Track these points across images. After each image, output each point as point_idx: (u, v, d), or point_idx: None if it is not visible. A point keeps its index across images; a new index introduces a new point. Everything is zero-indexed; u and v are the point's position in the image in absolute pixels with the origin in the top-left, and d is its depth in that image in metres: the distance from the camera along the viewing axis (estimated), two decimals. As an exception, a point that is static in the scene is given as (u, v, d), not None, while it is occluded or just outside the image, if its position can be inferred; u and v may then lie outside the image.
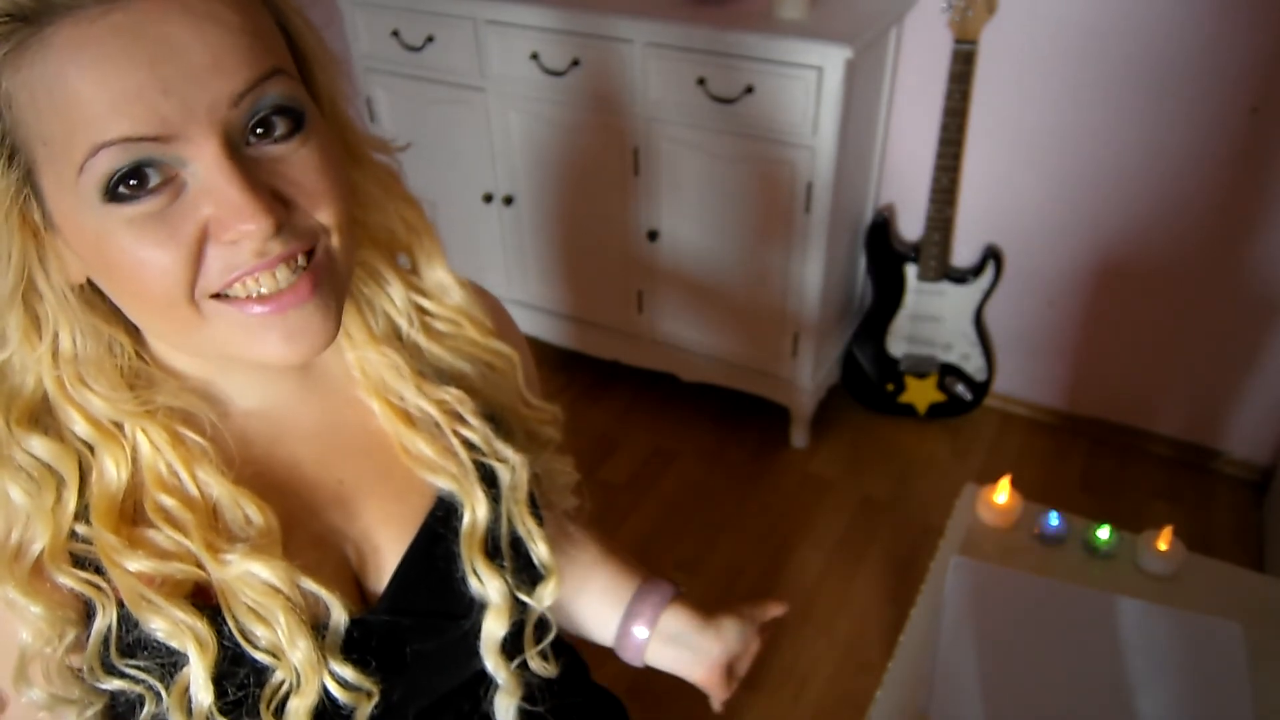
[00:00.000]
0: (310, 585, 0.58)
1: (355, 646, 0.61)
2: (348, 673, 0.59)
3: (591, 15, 1.92)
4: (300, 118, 0.51)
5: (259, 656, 0.56)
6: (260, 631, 0.56)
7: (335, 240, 0.54)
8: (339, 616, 0.59)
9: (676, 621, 0.84)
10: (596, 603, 0.86)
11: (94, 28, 0.45)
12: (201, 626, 0.55)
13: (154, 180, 0.48)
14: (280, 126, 0.51)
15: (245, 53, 0.48)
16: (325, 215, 0.52)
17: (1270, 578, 1.24)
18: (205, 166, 0.48)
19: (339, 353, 0.67)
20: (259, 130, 0.50)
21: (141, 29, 0.46)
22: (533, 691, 0.71)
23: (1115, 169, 1.99)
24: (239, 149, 0.49)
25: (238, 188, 0.48)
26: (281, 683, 0.57)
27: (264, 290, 0.51)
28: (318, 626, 0.59)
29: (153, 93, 0.46)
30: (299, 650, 0.56)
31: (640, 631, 0.84)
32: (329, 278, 0.54)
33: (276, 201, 0.50)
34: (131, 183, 0.47)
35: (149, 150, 0.47)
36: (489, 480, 0.68)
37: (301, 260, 0.52)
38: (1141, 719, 1.02)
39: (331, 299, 0.54)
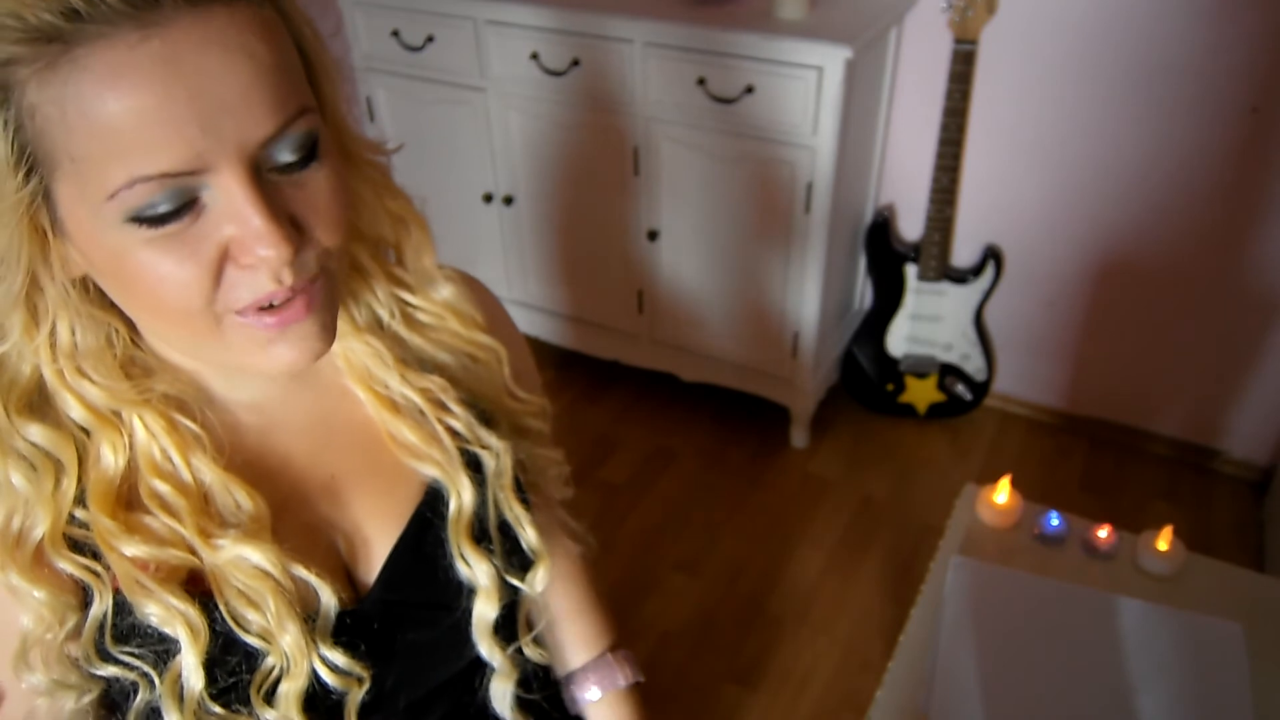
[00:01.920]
0: (300, 571, 0.59)
1: (347, 636, 0.61)
2: (337, 657, 0.59)
3: (591, 15, 1.92)
4: (316, 145, 0.52)
5: (250, 640, 0.57)
6: (251, 615, 0.57)
7: (334, 261, 0.55)
8: (329, 601, 0.60)
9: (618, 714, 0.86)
10: (553, 647, 0.88)
11: (132, 55, 0.45)
12: (193, 612, 0.55)
13: (177, 204, 0.48)
14: (299, 154, 0.51)
15: (277, 93, 0.49)
16: (333, 239, 0.54)
17: (1270, 578, 1.24)
18: (228, 193, 0.48)
19: None
20: (279, 158, 0.51)
21: (180, 59, 0.45)
22: (528, 679, 0.72)
23: (1115, 169, 1.99)
24: (260, 175, 0.50)
25: (262, 216, 0.48)
26: (272, 668, 0.57)
27: (275, 302, 0.52)
28: (308, 613, 0.59)
29: (191, 128, 0.46)
30: (288, 634, 0.57)
31: (583, 698, 0.86)
32: (326, 296, 0.55)
33: (295, 229, 0.51)
34: (160, 208, 0.48)
35: (182, 183, 0.47)
36: (474, 466, 0.68)
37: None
38: (1141, 719, 1.02)
39: (328, 314, 0.56)
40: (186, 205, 0.48)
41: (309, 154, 0.52)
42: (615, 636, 0.90)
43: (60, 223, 0.50)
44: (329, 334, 0.56)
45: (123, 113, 0.45)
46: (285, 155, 0.51)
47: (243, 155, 0.48)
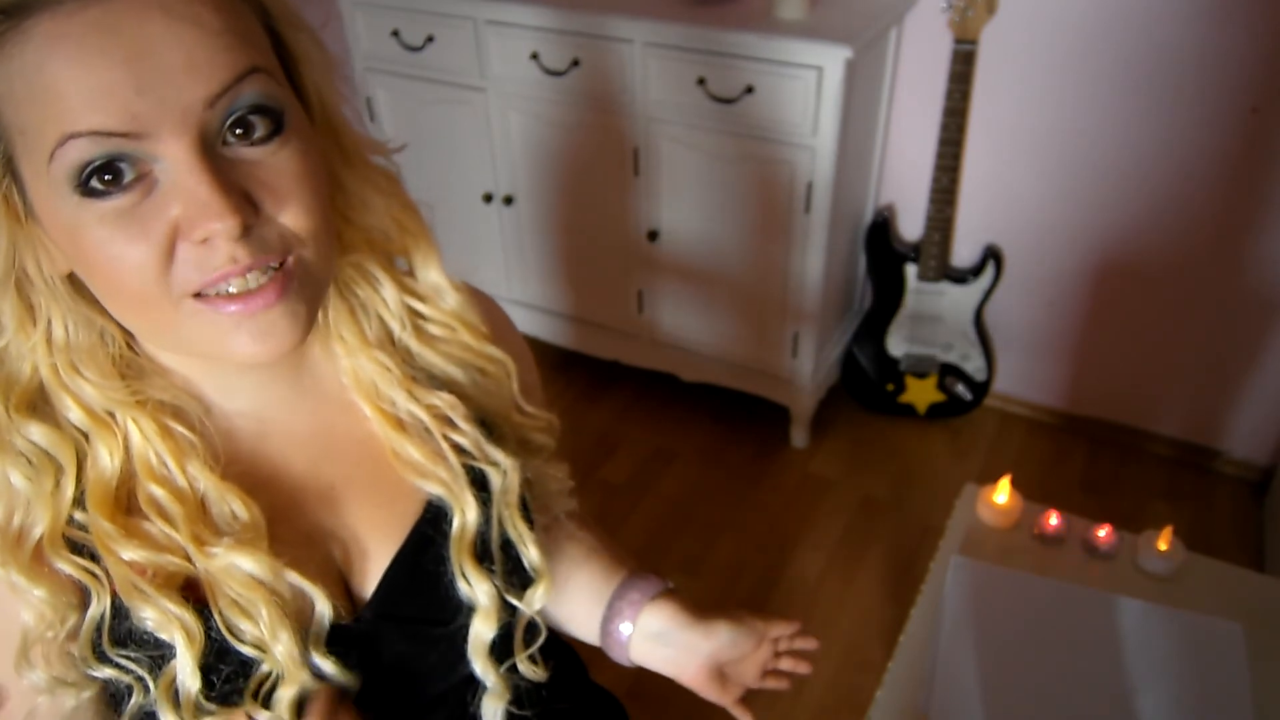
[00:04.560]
0: (295, 579, 0.58)
1: (341, 648, 0.61)
2: (329, 667, 0.59)
3: (591, 15, 1.92)
4: (280, 119, 0.51)
5: (244, 650, 0.57)
6: (244, 625, 0.56)
7: (309, 250, 0.53)
8: (323, 609, 0.59)
9: (661, 618, 0.81)
10: (580, 598, 0.85)
11: (71, 22, 0.45)
12: (189, 617, 0.55)
13: (127, 176, 0.48)
14: (259, 128, 0.50)
15: (223, 54, 0.48)
16: (297, 221, 0.52)
17: (1270, 578, 1.24)
18: (176, 164, 0.48)
19: (332, 358, 0.66)
20: (238, 131, 0.50)
21: (119, 26, 0.46)
22: (521, 695, 0.71)
23: (1115, 169, 1.99)
24: (213, 148, 0.49)
25: (206, 185, 0.48)
26: (268, 674, 0.57)
27: (233, 289, 0.51)
28: (303, 622, 0.59)
29: (126, 90, 0.46)
30: (280, 643, 0.57)
31: (624, 628, 0.82)
32: (300, 285, 0.53)
33: (246, 203, 0.50)
34: (106, 177, 0.48)
35: (120, 145, 0.47)
36: (479, 484, 0.67)
37: (274, 263, 0.52)
38: (1141, 719, 1.02)
39: (301, 304, 0.54)
40: (138, 179, 0.48)
41: (271, 130, 0.51)
42: (629, 567, 0.85)
43: (31, 207, 0.51)
44: (300, 328, 0.54)
45: (60, 77, 0.46)
46: (239, 126, 0.50)
47: (187, 122, 0.48)
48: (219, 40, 0.48)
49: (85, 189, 0.48)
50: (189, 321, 0.52)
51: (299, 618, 0.59)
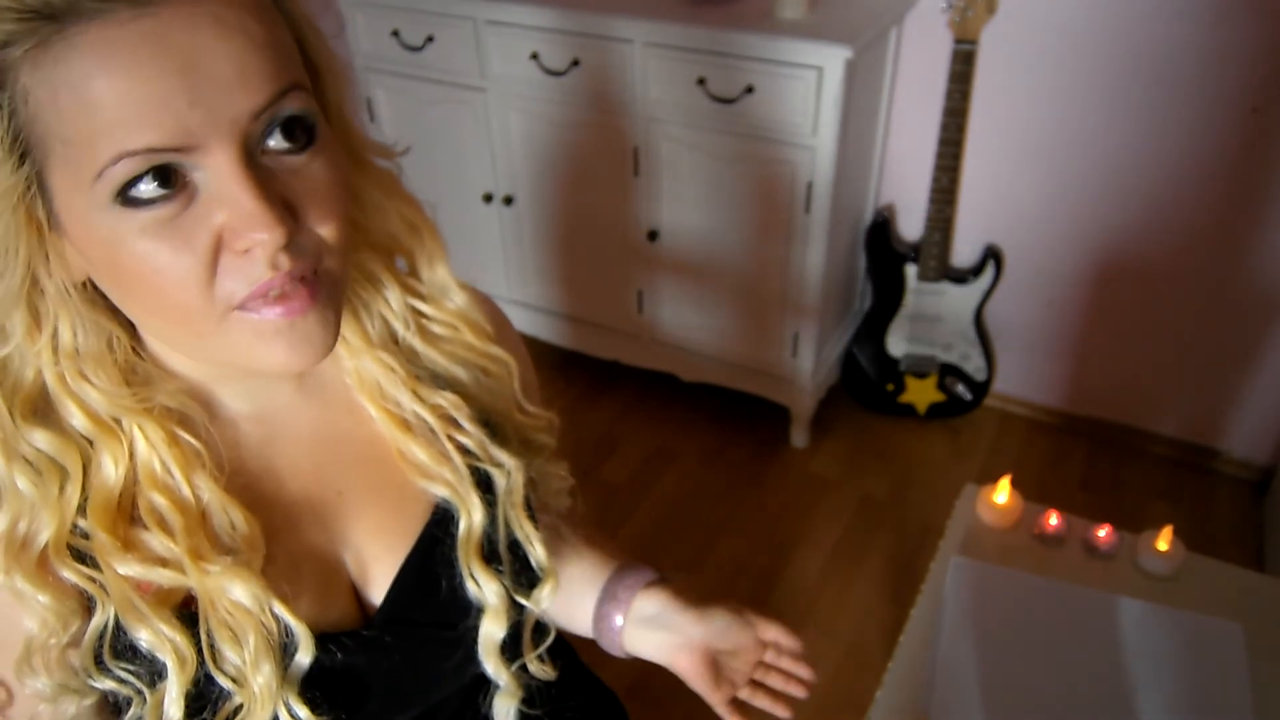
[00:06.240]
0: (282, 612, 0.57)
1: (354, 655, 0.61)
2: (302, 712, 0.58)
3: (591, 15, 1.92)
4: (313, 130, 0.51)
5: (222, 681, 0.56)
6: (230, 651, 0.56)
7: (335, 257, 0.54)
8: (304, 656, 0.58)
9: (655, 602, 0.81)
10: (572, 591, 0.84)
11: (123, 32, 0.45)
12: (181, 640, 0.55)
13: (169, 186, 0.48)
14: (296, 139, 0.51)
15: (268, 67, 0.48)
16: (329, 230, 0.52)
17: (1270, 578, 1.24)
18: (220, 174, 0.48)
19: (336, 360, 0.66)
20: (273, 141, 0.50)
21: (170, 37, 0.45)
22: (531, 694, 0.71)
23: (1115, 169, 1.99)
24: (254, 158, 0.49)
25: (252, 196, 0.48)
26: (239, 706, 0.57)
27: (273, 292, 0.51)
28: (288, 653, 0.58)
29: (180, 103, 0.45)
30: (262, 674, 0.56)
31: (617, 619, 0.82)
32: (328, 291, 0.54)
33: (288, 212, 0.50)
34: (146, 186, 0.47)
35: (169, 159, 0.47)
36: (485, 485, 0.68)
37: (308, 271, 0.52)
38: (1141, 719, 1.02)
39: (330, 310, 0.54)
40: (177, 189, 0.48)
41: (305, 140, 0.51)
42: (621, 559, 0.85)
43: (56, 216, 0.50)
44: (331, 335, 0.54)
45: (112, 90, 0.45)
46: (279, 137, 0.50)
47: (234, 132, 0.47)
48: (265, 53, 0.48)
49: (125, 199, 0.47)
50: (230, 331, 0.52)
51: (285, 651, 0.58)
